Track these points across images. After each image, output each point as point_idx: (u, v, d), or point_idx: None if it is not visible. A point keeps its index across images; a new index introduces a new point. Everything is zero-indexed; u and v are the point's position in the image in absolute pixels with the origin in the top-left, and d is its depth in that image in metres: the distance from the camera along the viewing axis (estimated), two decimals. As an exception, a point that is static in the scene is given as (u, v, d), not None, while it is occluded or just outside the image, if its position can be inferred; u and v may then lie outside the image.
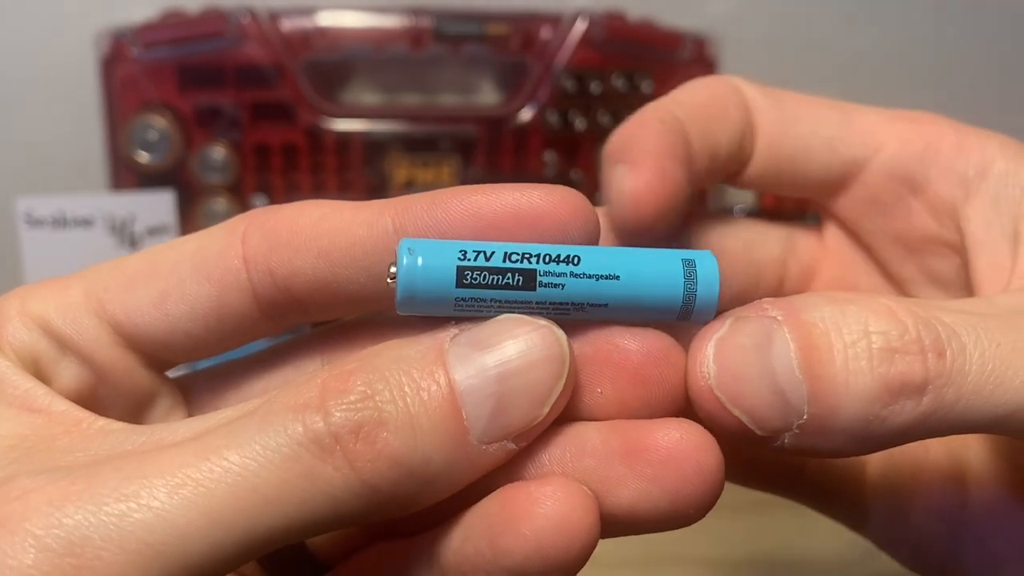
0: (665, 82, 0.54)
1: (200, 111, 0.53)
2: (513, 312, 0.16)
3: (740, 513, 0.47)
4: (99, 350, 0.18)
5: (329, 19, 0.53)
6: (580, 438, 0.16)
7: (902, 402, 0.16)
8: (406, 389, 0.15)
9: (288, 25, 0.53)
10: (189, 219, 0.53)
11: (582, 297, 0.16)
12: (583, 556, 0.15)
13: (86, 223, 0.51)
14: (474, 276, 0.16)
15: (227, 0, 0.53)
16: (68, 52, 0.59)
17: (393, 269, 0.16)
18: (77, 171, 0.61)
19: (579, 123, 0.55)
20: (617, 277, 0.16)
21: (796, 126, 0.22)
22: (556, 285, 0.16)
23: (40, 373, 0.17)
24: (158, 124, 0.52)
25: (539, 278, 0.16)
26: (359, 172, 0.55)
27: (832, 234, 0.25)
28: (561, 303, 0.16)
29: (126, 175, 0.53)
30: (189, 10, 0.54)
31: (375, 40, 0.54)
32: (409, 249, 0.16)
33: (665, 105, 0.22)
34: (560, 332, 0.16)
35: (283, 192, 0.55)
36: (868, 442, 0.16)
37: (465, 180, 0.54)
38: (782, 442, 0.16)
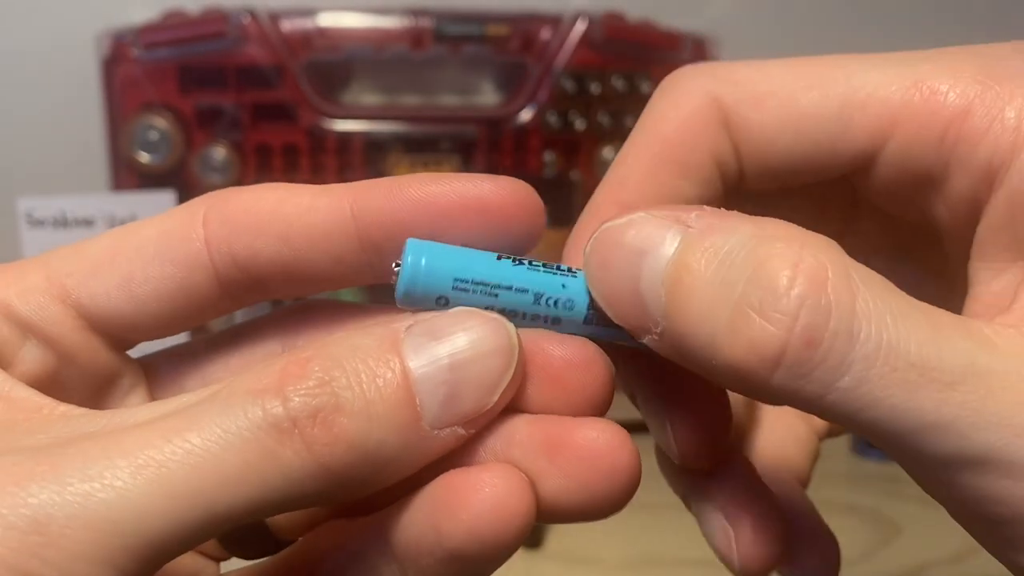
0: (665, 83, 0.54)
1: (201, 111, 0.53)
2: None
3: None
4: (63, 333, 0.18)
5: (329, 20, 0.53)
6: (510, 429, 0.17)
7: (752, 364, 0.15)
8: (362, 376, 0.15)
9: (289, 26, 0.53)
10: (190, 219, 0.53)
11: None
12: (519, 538, 0.16)
13: (87, 223, 0.51)
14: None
15: (228, 1, 0.53)
16: (69, 53, 0.59)
17: (396, 267, 0.17)
18: (78, 171, 0.61)
19: (579, 123, 0.55)
20: None
21: (783, 136, 0.19)
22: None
23: (1, 358, 0.17)
24: (159, 124, 0.52)
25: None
26: (360, 172, 0.55)
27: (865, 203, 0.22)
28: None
29: (127, 175, 0.53)
30: (190, 11, 0.54)
31: (376, 41, 0.54)
32: (415, 250, 0.17)
33: (615, 185, 0.20)
34: (510, 325, 0.17)
35: (284, 192, 0.55)
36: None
37: (465, 180, 0.55)
38: (643, 341, 0.17)
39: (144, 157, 0.52)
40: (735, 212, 0.16)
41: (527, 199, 0.18)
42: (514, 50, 0.55)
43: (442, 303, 0.17)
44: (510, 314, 0.17)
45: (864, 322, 0.15)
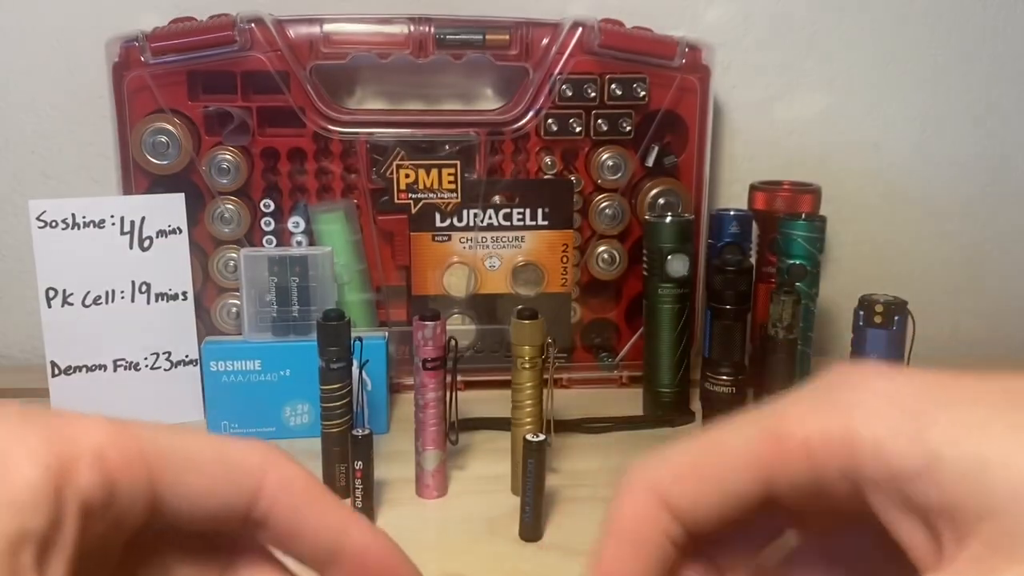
0: (660, 88, 0.56)
1: (209, 116, 0.54)
2: None
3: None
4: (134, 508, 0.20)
5: (334, 27, 0.55)
6: None
7: None
8: None
9: (294, 33, 0.54)
10: (198, 222, 0.55)
11: None
12: None
13: (97, 225, 0.52)
14: None
15: (235, 8, 0.54)
16: (80, 58, 0.60)
17: None
18: (88, 175, 0.62)
19: (577, 128, 0.56)
20: None
21: (704, 503, 0.23)
22: None
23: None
24: (168, 129, 0.53)
25: None
26: (363, 176, 0.56)
27: None
28: None
29: (137, 179, 0.54)
30: (198, 18, 0.55)
31: (379, 48, 0.55)
32: None
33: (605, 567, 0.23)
34: None
35: (289, 196, 0.56)
36: None
37: (466, 183, 0.56)
38: None
39: (153, 161, 0.54)
40: None
41: None
42: (514, 57, 0.56)
43: None
44: None
45: None
